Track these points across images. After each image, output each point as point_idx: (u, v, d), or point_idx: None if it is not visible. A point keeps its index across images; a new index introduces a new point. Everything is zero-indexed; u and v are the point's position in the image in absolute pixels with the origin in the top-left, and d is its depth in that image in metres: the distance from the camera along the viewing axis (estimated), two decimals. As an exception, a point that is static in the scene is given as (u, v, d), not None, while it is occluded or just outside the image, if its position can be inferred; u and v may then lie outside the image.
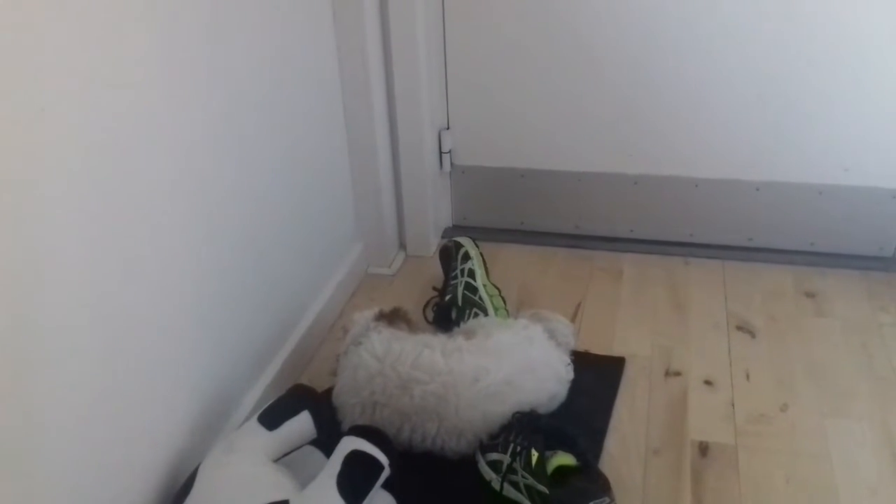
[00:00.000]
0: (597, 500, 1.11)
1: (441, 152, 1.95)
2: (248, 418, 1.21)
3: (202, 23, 1.18)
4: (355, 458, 1.10)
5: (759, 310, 1.70)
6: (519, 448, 1.21)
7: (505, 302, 1.66)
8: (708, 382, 1.49)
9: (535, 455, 1.19)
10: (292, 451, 1.19)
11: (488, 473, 1.25)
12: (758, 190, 1.85)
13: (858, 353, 1.56)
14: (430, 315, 1.68)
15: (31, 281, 0.89)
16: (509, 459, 1.22)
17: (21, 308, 0.87)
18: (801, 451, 1.33)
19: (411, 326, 1.45)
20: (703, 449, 1.34)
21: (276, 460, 1.15)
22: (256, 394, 1.39)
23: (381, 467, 1.11)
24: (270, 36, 1.38)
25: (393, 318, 1.44)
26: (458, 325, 1.55)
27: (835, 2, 1.64)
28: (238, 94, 1.29)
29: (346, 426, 1.31)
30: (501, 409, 1.29)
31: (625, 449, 1.35)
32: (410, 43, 1.72)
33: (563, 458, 1.20)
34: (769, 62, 1.72)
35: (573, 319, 1.67)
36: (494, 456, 1.25)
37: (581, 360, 1.46)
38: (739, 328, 1.64)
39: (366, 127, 1.72)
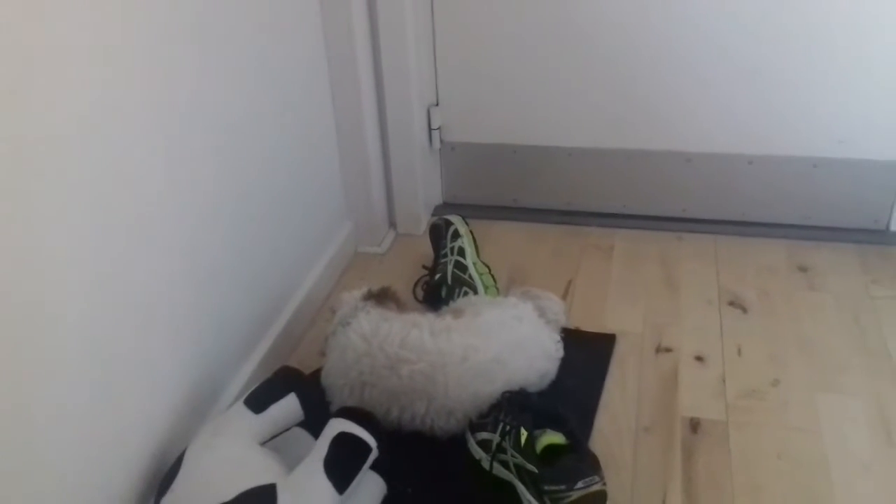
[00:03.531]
0: (586, 479, 1.11)
1: (430, 129, 1.93)
2: (235, 401, 1.20)
3: (188, 7, 1.16)
4: (343, 440, 1.09)
5: (751, 285, 1.69)
6: (508, 427, 1.21)
7: (495, 280, 1.65)
8: (699, 358, 1.49)
9: (524, 434, 1.18)
10: (280, 434, 1.19)
11: (478, 452, 1.25)
12: (751, 163, 1.83)
13: (851, 327, 1.55)
14: (420, 294, 1.67)
15: (25, 262, 0.88)
16: (498, 439, 1.21)
17: (13, 291, 0.87)
18: (792, 427, 1.33)
19: (400, 306, 1.44)
20: (695, 425, 1.34)
21: (264, 443, 1.15)
22: (244, 376, 1.38)
23: (369, 449, 1.11)
24: (255, 16, 1.36)
25: (381, 297, 1.42)
26: (447, 303, 1.54)
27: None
28: (224, 75, 1.27)
29: (335, 407, 1.30)
30: (491, 387, 1.28)
31: (615, 426, 1.34)
32: (398, 18, 1.70)
33: (553, 437, 1.20)
34: (761, 35, 1.69)
35: (564, 296, 1.66)
36: (484, 435, 1.24)
37: (571, 338, 1.45)
38: (731, 303, 1.63)
39: (353, 104, 1.70)
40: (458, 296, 1.57)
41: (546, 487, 1.12)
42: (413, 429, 1.29)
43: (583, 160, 1.91)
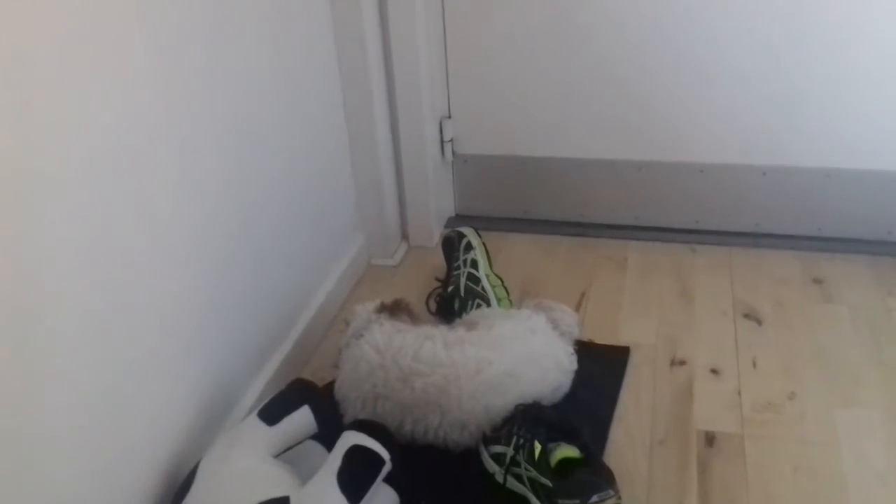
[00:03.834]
0: (600, 493, 1.10)
1: (442, 141, 1.93)
2: (249, 413, 1.20)
3: (201, 19, 1.17)
4: (356, 452, 1.09)
5: (766, 297, 1.68)
6: (522, 440, 1.20)
7: (508, 292, 1.65)
8: (714, 371, 1.48)
9: (538, 447, 1.18)
10: (293, 446, 1.18)
11: (491, 466, 1.24)
12: (764, 174, 1.82)
13: (867, 339, 1.54)
14: (433, 306, 1.67)
15: (32, 279, 0.88)
16: (512, 452, 1.20)
17: (22, 305, 0.87)
18: (808, 440, 1.32)
19: (413, 318, 1.44)
20: (710, 439, 1.33)
21: (277, 455, 1.15)
22: (258, 389, 1.38)
23: (383, 462, 1.10)
24: (268, 28, 1.37)
25: (395, 309, 1.42)
26: (460, 316, 1.54)
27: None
28: (237, 87, 1.28)
29: (348, 420, 1.30)
30: (504, 400, 1.28)
31: (630, 439, 1.34)
32: (409, 31, 1.70)
33: (567, 451, 1.19)
34: (774, 46, 1.69)
35: (577, 309, 1.66)
36: (497, 448, 1.24)
37: (585, 350, 1.44)
38: (746, 316, 1.62)
39: (366, 117, 1.71)
40: (472, 308, 1.57)
41: (560, 501, 1.12)
42: (426, 442, 1.29)
43: (595, 172, 1.91)
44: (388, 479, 1.13)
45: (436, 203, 1.93)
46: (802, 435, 1.33)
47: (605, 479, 1.12)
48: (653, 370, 1.49)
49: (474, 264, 1.64)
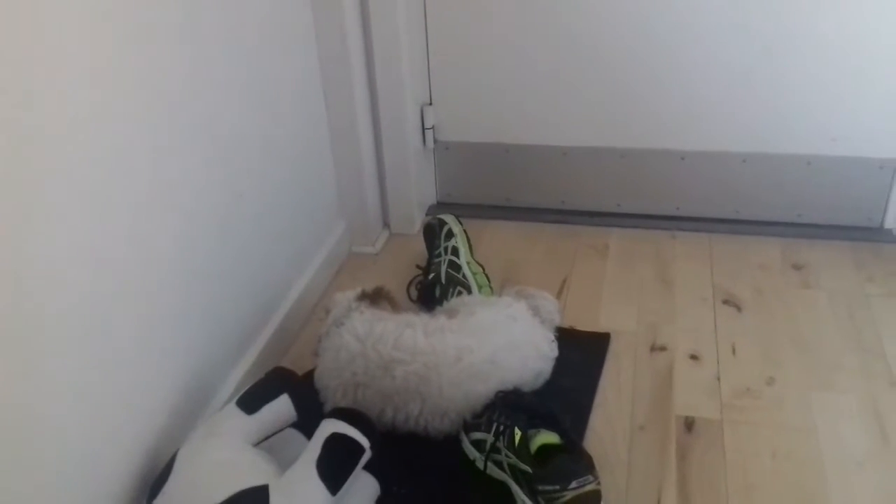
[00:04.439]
0: (580, 479, 1.10)
1: (424, 128, 1.92)
2: (228, 402, 1.20)
3: (178, 8, 1.16)
4: (335, 441, 1.09)
5: (745, 283, 1.68)
6: (502, 427, 1.20)
7: (489, 279, 1.65)
8: (694, 357, 1.48)
9: (518, 434, 1.18)
10: (273, 435, 1.18)
11: (472, 453, 1.24)
12: (744, 162, 1.83)
13: (846, 325, 1.55)
14: (414, 294, 1.66)
15: (20, 265, 0.88)
16: (493, 439, 1.21)
17: (8, 295, 0.87)
18: (787, 425, 1.32)
19: (394, 306, 1.44)
20: (689, 424, 1.33)
21: (257, 444, 1.14)
22: (237, 377, 1.37)
23: (362, 450, 1.10)
24: (247, 17, 1.35)
25: (375, 297, 1.42)
26: (441, 303, 1.54)
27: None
28: (216, 75, 1.27)
29: (328, 408, 1.30)
30: (485, 387, 1.28)
31: (610, 425, 1.34)
32: (390, 16, 1.69)
33: (547, 437, 1.19)
34: (755, 33, 1.69)
35: (558, 295, 1.66)
36: (478, 435, 1.24)
37: (566, 337, 1.45)
38: (726, 302, 1.63)
39: (346, 103, 1.69)
40: (452, 295, 1.57)
41: (540, 487, 1.12)
42: (407, 429, 1.29)
43: (577, 159, 1.91)
44: (369, 467, 1.13)
45: (417, 190, 1.92)
46: (781, 420, 1.34)
47: (584, 465, 1.13)
48: (633, 356, 1.49)
49: (455, 252, 1.64)
